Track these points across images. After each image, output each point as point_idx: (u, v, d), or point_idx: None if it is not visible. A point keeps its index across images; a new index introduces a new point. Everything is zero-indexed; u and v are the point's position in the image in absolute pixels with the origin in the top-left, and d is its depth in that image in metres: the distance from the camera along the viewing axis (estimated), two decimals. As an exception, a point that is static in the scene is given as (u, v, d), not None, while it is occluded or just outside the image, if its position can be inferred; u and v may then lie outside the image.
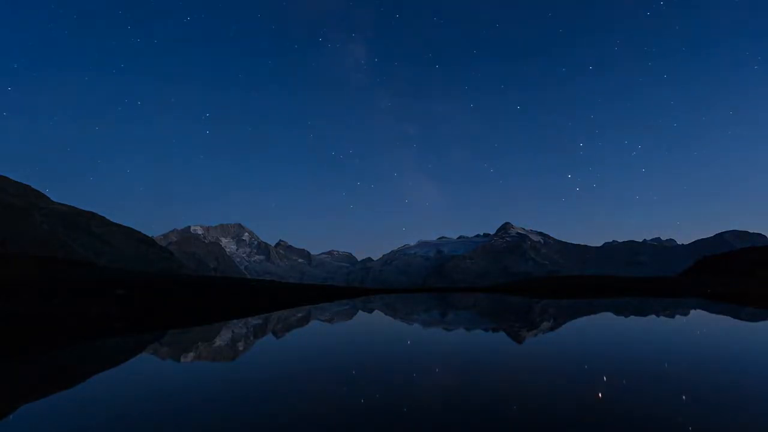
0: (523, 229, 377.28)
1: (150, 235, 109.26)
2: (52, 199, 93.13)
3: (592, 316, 17.83)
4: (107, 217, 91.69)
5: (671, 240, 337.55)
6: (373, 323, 16.50)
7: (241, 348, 9.95)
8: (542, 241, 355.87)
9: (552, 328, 13.07)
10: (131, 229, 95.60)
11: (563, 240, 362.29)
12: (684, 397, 4.72)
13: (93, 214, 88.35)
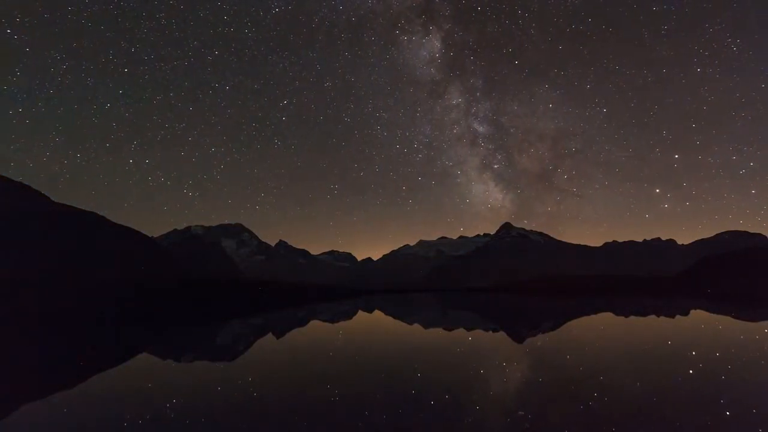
0: (524, 229, 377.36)
1: (150, 235, 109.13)
2: (52, 199, 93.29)
3: (592, 316, 17.83)
4: (107, 217, 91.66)
5: (671, 240, 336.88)
6: (373, 323, 16.51)
7: (239, 349, 9.96)
8: (542, 241, 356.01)
9: (552, 329, 13.07)
10: (131, 229, 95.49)
11: (563, 240, 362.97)
12: (684, 397, 4.73)
13: (93, 214, 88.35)
